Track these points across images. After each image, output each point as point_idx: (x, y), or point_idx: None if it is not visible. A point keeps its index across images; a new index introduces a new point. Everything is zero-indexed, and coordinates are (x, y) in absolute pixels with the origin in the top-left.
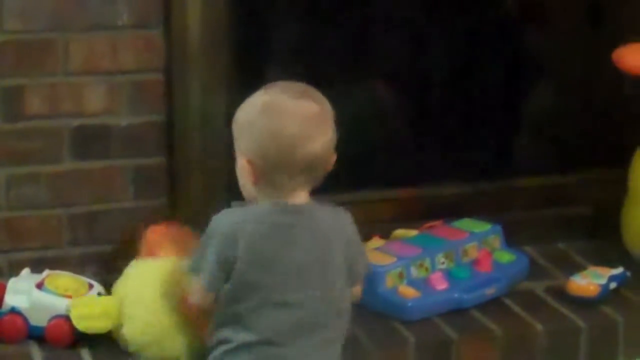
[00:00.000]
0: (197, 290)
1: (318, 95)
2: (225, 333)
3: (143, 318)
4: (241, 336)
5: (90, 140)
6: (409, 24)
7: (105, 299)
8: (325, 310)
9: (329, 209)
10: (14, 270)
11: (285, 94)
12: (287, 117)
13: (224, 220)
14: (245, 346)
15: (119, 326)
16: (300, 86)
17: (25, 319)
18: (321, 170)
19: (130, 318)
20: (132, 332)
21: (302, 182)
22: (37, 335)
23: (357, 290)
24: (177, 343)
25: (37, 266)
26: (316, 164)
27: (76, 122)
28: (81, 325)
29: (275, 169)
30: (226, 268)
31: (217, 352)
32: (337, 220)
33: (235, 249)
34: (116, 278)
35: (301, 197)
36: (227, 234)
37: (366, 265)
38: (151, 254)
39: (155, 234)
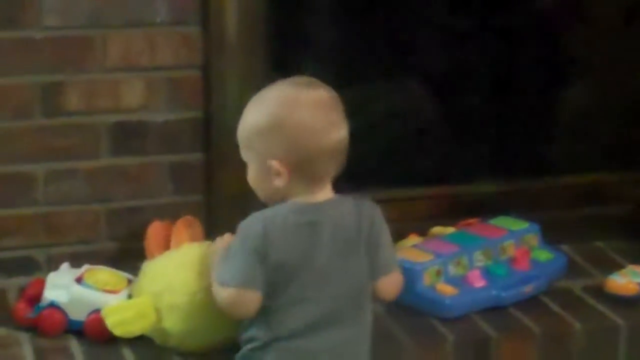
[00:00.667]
0: (235, 298)
1: (322, 84)
2: (253, 332)
3: (185, 306)
4: (267, 334)
5: (127, 137)
6: (445, 20)
7: (138, 299)
8: (348, 304)
9: (352, 202)
10: (52, 264)
11: (297, 87)
12: (310, 107)
13: (253, 222)
14: (271, 342)
15: (157, 322)
16: (304, 78)
17: (64, 313)
18: (344, 157)
19: (171, 308)
20: (175, 322)
21: (332, 170)
22: (76, 330)
23: (392, 281)
24: (219, 330)
25: (75, 261)
26: (341, 148)
27: (114, 118)
28: (119, 331)
29: (310, 160)
30: (263, 263)
31: (244, 350)
32: (360, 213)
33: (267, 247)
34: None
35: (327, 190)
36: (259, 234)
37: (393, 256)
38: (151, 253)
39: (155, 232)
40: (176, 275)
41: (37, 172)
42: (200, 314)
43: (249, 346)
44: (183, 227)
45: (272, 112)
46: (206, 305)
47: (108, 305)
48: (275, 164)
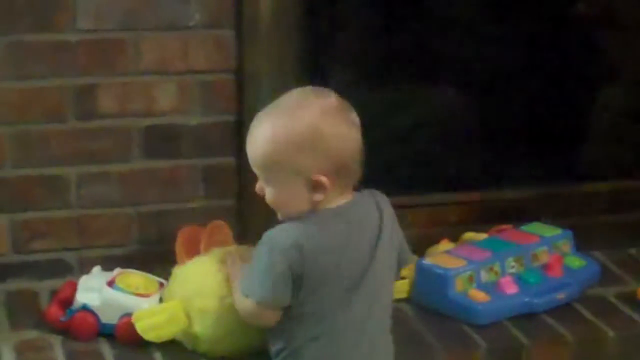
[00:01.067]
0: (257, 313)
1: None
2: (283, 342)
3: (215, 310)
4: (298, 339)
5: (160, 140)
6: (477, 26)
7: (169, 304)
8: (371, 299)
9: (369, 197)
10: (84, 268)
11: (315, 95)
12: (337, 113)
13: (282, 237)
14: (302, 347)
15: (188, 327)
16: (310, 87)
17: (96, 317)
18: None
19: (202, 313)
20: (205, 327)
21: (360, 171)
22: (107, 333)
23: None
24: (249, 335)
25: (107, 264)
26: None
27: (147, 122)
28: (149, 336)
29: (347, 167)
30: (294, 280)
31: None
32: (379, 207)
33: (299, 262)
34: None
35: (351, 191)
36: (289, 250)
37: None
38: (181, 257)
39: (185, 236)
40: (206, 280)
41: (70, 175)
42: (231, 318)
43: (281, 356)
44: (213, 231)
45: (309, 123)
46: (236, 309)
47: (139, 309)
48: (322, 178)
